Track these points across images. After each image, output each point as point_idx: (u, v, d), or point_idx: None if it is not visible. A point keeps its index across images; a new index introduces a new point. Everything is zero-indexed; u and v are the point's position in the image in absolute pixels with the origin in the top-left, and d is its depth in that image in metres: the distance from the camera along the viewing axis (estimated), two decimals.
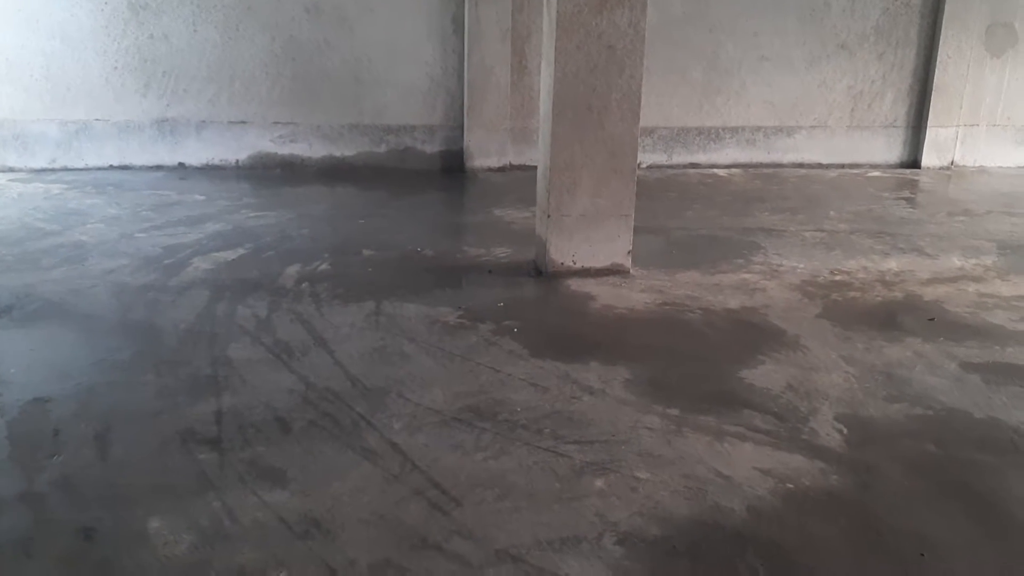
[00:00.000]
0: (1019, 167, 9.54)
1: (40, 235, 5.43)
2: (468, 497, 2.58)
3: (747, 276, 5.03)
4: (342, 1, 7.83)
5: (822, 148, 9.18)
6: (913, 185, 8.42)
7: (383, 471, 2.72)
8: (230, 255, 5.13)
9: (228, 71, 7.76)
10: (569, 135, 4.67)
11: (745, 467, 2.82)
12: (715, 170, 8.83)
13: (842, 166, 9.23)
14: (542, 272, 4.91)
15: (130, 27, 7.48)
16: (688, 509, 2.56)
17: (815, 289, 4.81)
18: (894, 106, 9.21)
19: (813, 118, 9.08)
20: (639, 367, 3.62)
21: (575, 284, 4.74)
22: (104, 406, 3.12)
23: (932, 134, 9.18)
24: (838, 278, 5.04)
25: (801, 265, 5.30)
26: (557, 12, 4.49)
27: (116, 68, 7.54)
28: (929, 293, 4.80)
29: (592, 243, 4.85)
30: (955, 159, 9.34)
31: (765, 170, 8.93)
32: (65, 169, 7.56)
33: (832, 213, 6.90)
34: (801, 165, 9.17)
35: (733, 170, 8.86)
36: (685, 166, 8.90)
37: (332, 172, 7.98)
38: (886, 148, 9.33)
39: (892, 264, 5.38)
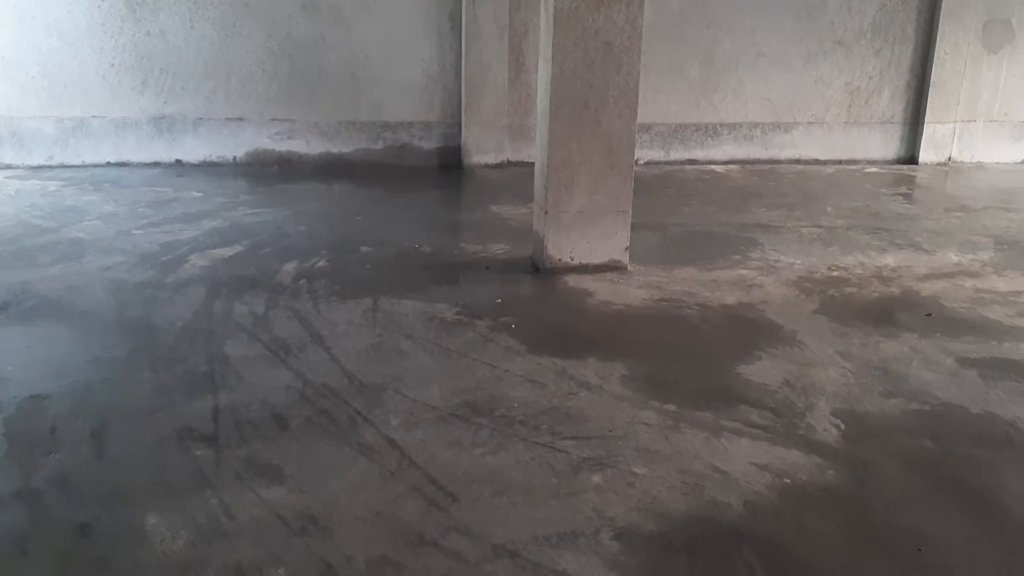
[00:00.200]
0: (1016, 163, 9.55)
1: (37, 232, 5.43)
2: (465, 493, 2.59)
3: (744, 272, 5.03)
4: None
5: (819, 144, 9.18)
6: (910, 181, 8.42)
7: (380, 468, 2.72)
8: (227, 252, 5.12)
9: (225, 68, 7.75)
10: (567, 132, 4.66)
11: (742, 462, 2.82)
12: (712, 166, 8.84)
13: (839, 162, 9.24)
14: (539, 268, 4.91)
15: (127, 24, 7.46)
16: (685, 504, 2.56)
17: (812, 285, 4.82)
18: (891, 102, 9.21)
19: (810, 114, 9.08)
20: (636, 363, 3.62)
21: (572, 280, 4.74)
22: (101, 403, 3.12)
23: (929, 130, 9.19)
24: (835, 274, 5.05)
25: (798, 261, 5.30)
26: (554, 9, 4.48)
27: (113, 65, 7.52)
28: (926, 289, 4.80)
29: (590, 239, 4.85)
30: (952, 155, 9.35)
31: (762, 166, 8.94)
32: (62, 166, 7.55)
33: (829, 209, 6.90)
34: (798, 161, 9.17)
35: (730, 166, 8.87)
36: (682, 162, 8.90)
37: (329, 169, 7.98)
38: (883, 144, 9.33)
39: (889, 260, 5.39)
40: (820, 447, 2.95)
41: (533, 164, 5.10)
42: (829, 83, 9.02)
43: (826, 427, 3.10)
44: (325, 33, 7.87)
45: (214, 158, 7.90)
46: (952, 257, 5.49)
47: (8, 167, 7.43)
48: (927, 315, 4.36)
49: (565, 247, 4.85)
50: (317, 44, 7.88)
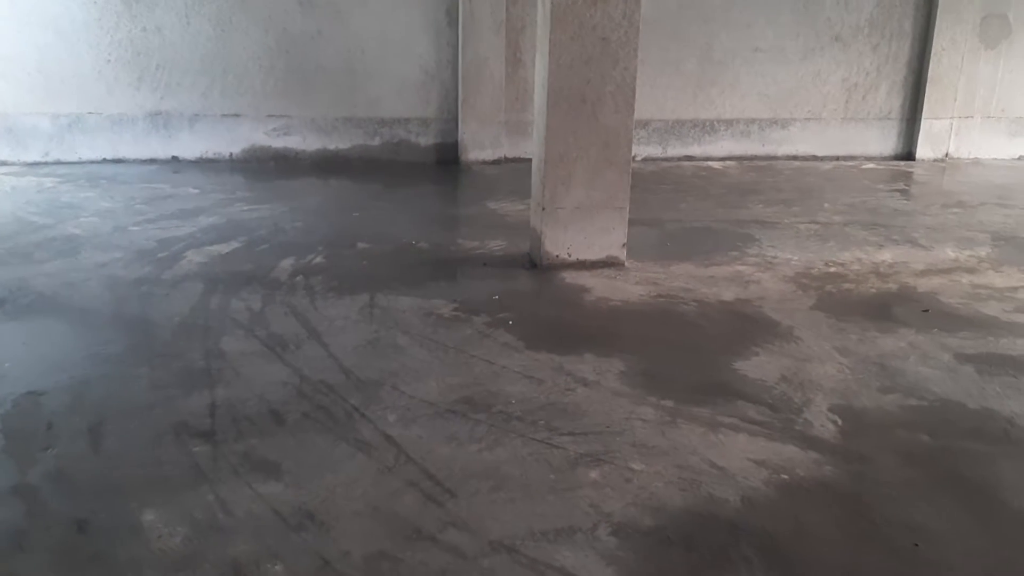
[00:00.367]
0: (1013, 159, 9.56)
1: (33, 228, 5.42)
2: (462, 488, 2.58)
3: (741, 268, 5.03)
4: None
5: (816, 140, 9.19)
6: (907, 177, 8.43)
7: (377, 463, 2.72)
8: (224, 248, 5.11)
9: (221, 64, 7.73)
10: (564, 127, 4.66)
11: (739, 458, 2.82)
12: (710, 162, 8.84)
13: (836, 158, 9.24)
14: (537, 264, 4.90)
15: (123, 20, 7.45)
16: (682, 500, 2.56)
17: (809, 281, 4.82)
18: (888, 98, 9.21)
19: (807, 110, 9.09)
20: (633, 359, 3.62)
21: (570, 276, 4.74)
22: (97, 399, 3.11)
23: (926, 126, 9.19)
24: (832, 270, 5.05)
25: (795, 257, 5.30)
26: (551, 4, 4.47)
27: (109, 61, 7.51)
28: (923, 284, 4.81)
29: (587, 235, 4.85)
30: (949, 151, 9.36)
31: (759, 162, 8.94)
32: (58, 162, 7.54)
33: (826, 205, 6.90)
34: (795, 157, 9.17)
35: (728, 162, 8.87)
36: (680, 158, 8.90)
37: (326, 165, 7.97)
38: (880, 140, 9.34)
39: (886, 256, 5.39)
40: (817, 443, 2.95)
41: (530, 160, 5.09)
42: (826, 79, 9.02)
43: (823, 423, 3.10)
44: (322, 28, 7.86)
45: (210, 154, 7.89)
46: (949, 253, 5.50)
47: (4, 164, 7.41)
48: (924, 311, 4.37)
49: (562, 243, 4.84)
50: (314, 39, 7.87)
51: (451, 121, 8.31)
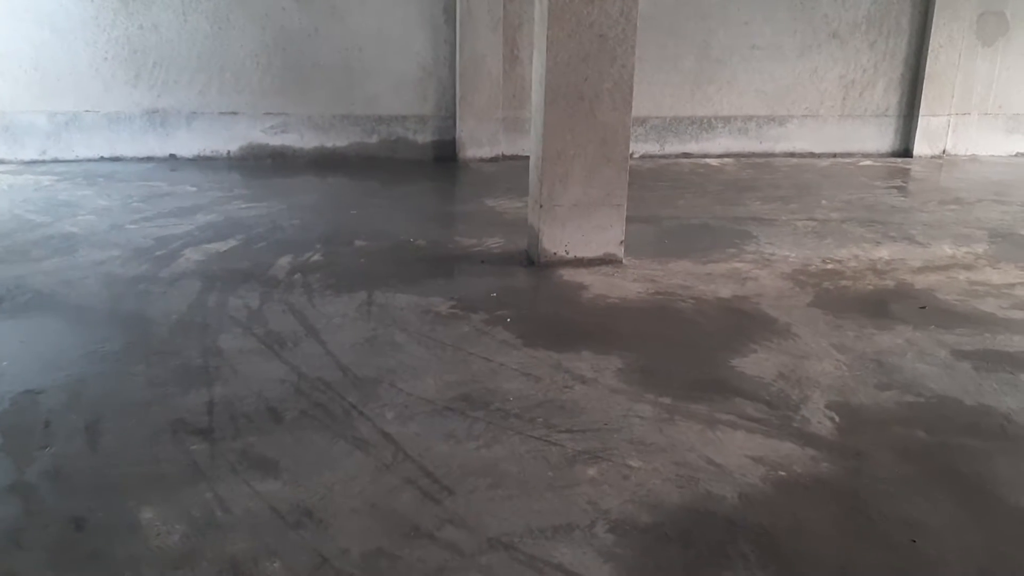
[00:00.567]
0: (1010, 155, 9.57)
1: (30, 227, 5.41)
2: (460, 486, 2.59)
3: (739, 265, 5.04)
4: None
5: (814, 137, 9.19)
6: (905, 174, 8.43)
7: (375, 460, 2.72)
8: (221, 246, 5.11)
9: (218, 61, 7.72)
10: (561, 124, 4.66)
11: (736, 455, 2.83)
12: (707, 159, 8.84)
13: (834, 155, 9.25)
14: (534, 262, 4.90)
15: (120, 17, 7.44)
16: (680, 497, 2.57)
17: (806, 278, 4.82)
18: (886, 95, 9.22)
19: (805, 107, 9.09)
20: (631, 356, 3.62)
21: (568, 274, 4.74)
22: (95, 397, 3.11)
23: (924, 123, 9.20)
24: (829, 267, 5.05)
25: (793, 254, 5.31)
26: (549, 1, 4.47)
27: (106, 59, 7.50)
28: (920, 281, 4.81)
29: (584, 232, 4.85)
30: (947, 147, 9.36)
31: (757, 159, 8.94)
32: (55, 160, 7.52)
33: (824, 202, 6.91)
34: (793, 154, 9.18)
35: (725, 159, 8.87)
36: (677, 155, 8.90)
37: (324, 162, 7.96)
38: (878, 137, 9.34)
39: (883, 252, 5.39)
40: (814, 439, 2.96)
41: (528, 157, 5.09)
42: (823, 75, 9.02)
43: (820, 419, 3.11)
44: (319, 26, 7.85)
45: (208, 152, 7.88)
46: (946, 250, 5.50)
47: (1, 162, 7.40)
48: (921, 307, 4.37)
49: (560, 240, 4.84)
50: (311, 37, 7.86)
51: (449, 118, 8.31)
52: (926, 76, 9.03)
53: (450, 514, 2.44)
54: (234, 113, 7.86)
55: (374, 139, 8.23)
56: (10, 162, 7.41)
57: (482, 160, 8.28)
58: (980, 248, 5.55)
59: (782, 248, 5.44)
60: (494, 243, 5.37)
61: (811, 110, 9.11)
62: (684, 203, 6.77)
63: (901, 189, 7.65)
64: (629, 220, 4.96)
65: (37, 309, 4.03)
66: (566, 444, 2.86)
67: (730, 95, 8.87)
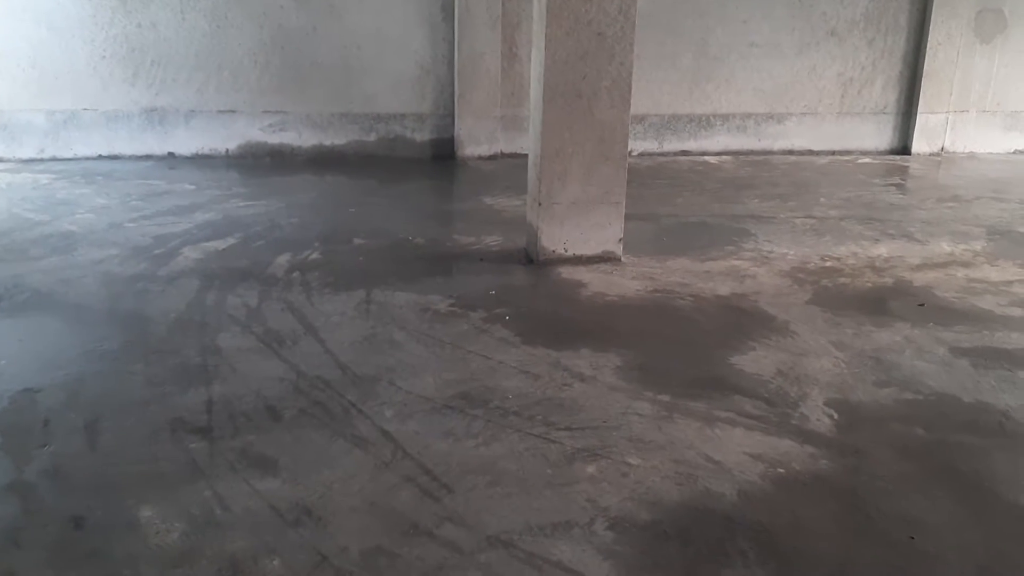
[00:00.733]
0: (1008, 153, 9.57)
1: (29, 225, 5.41)
2: (459, 484, 2.59)
3: (737, 263, 5.04)
4: None
5: (812, 135, 9.19)
6: (903, 171, 8.44)
7: (374, 459, 2.72)
8: (220, 244, 5.11)
9: (216, 60, 7.72)
10: (559, 122, 4.66)
11: (735, 452, 2.83)
12: (705, 157, 8.84)
13: (832, 153, 9.25)
14: (533, 260, 4.90)
15: (117, 15, 7.43)
16: (679, 494, 2.57)
17: (805, 275, 4.82)
18: (884, 92, 9.22)
19: (803, 105, 9.09)
20: (630, 354, 3.63)
21: (566, 272, 4.74)
22: (94, 396, 3.11)
23: (922, 120, 9.20)
24: (828, 264, 5.06)
25: (791, 251, 5.31)
26: None
27: (104, 57, 7.49)
28: (918, 278, 4.81)
29: (583, 230, 4.85)
30: (945, 145, 9.37)
31: (755, 157, 8.94)
32: (53, 159, 7.52)
33: (822, 199, 6.91)
34: (791, 152, 9.18)
35: (723, 157, 8.87)
36: (676, 153, 8.90)
37: (322, 161, 7.96)
38: (876, 134, 9.34)
39: (882, 250, 5.40)
40: (813, 436, 2.96)
41: (526, 155, 5.09)
42: (822, 73, 9.03)
43: (819, 416, 3.11)
44: (317, 24, 7.84)
45: (206, 150, 7.88)
46: (945, 247, 5.51)
47: None
48: (920, 305, 4.37)
49: (559, 238, 4.84)
50: (309, 35, 7.85)
51: (447, 117, 8.30)
52: (924, 73, 9.03)
53: (449, 512, 2.44)
54: (232, 111, 7.85)
55: (372, 137, 8.23)
56: (8, 160, 7.40)
57: (480, 158, 8.28)
58: (978, 245, 5.56)
59: (780, 246, 5.44)
60: (493, 241, 5.37)
61: (809, 108, 9.11)
62: (682, 201, 6.77)
63: (899, 186, 7.66)
64: (628, 218, 4.96)
65: (35, 308, 4.02)
66: (565, 442, 2.86)
67: (728, 93, 8.87)
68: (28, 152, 7.49)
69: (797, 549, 2.33)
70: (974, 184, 7.72)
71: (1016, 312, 4.29)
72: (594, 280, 4.61)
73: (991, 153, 9.48)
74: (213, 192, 6.51)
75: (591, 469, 2.70)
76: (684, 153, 8.91)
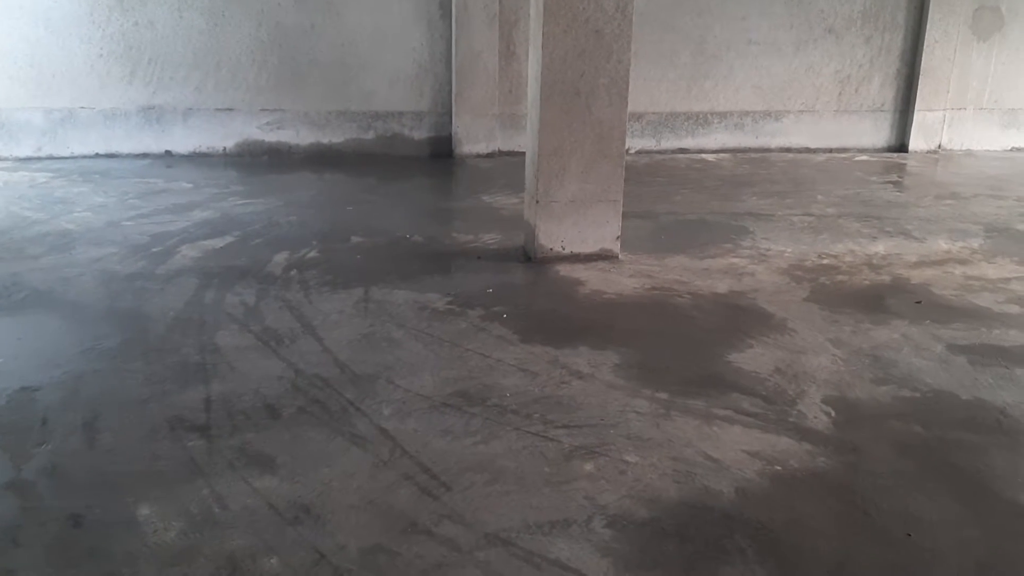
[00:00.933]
0: (1006, 150, 9.58)
1: (26, 224, 5.40)
2: (458, 482, 2.59)
3: (735, 260, 5.04)
4: None
5: (810, 132, 9.20)
6: (900, 169, 8.44)
7: (373, 457, 2.72)
8: (218, 243, 5.11)
9: (214, 58, 7.71)
10: (557, 120, 4.66)
11: (733, 450, 2.83)
12: (703, 155, 8.84)
13: (830, 150, 9.25)
14: (531, 258, 4.91)
15: (115, 14, 7.42)
16: (677, 491, 2.57)
17: (803, 273, 4.83)
18: (881, 90, 9.22)
19: (801, 102, 9.09)
20: (628, 351, 3.63)
21: (564, 269, 4.75)
22: (92, 394, 3.11)
23: (919, 118, 9.21)
24: (826, 262, 5.06)
25: (789, 249, 5.32)
26: None
27: (101, 55, 7.48)
28: (916, 276, 4.82)
29: (581, 228, 4.85)
30: (942, 142, 9.38)
31: (753, 154, 8.95)
32: (51, 157, 7.51)
33: (820, 197, 6.92)
34: (789, 149, 9.18)
35: (721, 155, 8.87)
36: (673, 151, 8.90)
37: (320, 159, 7.96)
38: (874, 132, 9.35)
39: (879, 247, 5.40)
40: (811, 434, 2.96)
41: (524, 153, 5.09)
42: (819, 71, 9.03)
43: (817, 414, 3.12)
44: (315, 22, 7.84)
45: (204, 149, 7.87)
46: (942, 244, 5.51)
47: None
48: (917, 302, 4.38)
49: (556, 236, 4.85)
50: (307, 33, 7.84)
51: (445, 115, 8.30)
52: (922, 71, 9.04)
53: (448, 510, 2.44)
54: (230, 110, 7.85)
55: (370, 135, 8.22)
56: (6, 159, 7.39)
57: (478, 156, 8.27)
58: (976, 243, 5.56)
59: (778, 243, 5.44)
60: (491, 239, 5.37)
61: (807, 105, 9.12)
62: (680, 199, 6.77)
63: (897, 184, 7.66)
64: (625, 216, 4.96)
65: (34, 306, 4.02)
66: (563, 439, 2.87)
67: (726, 91, 8.87)
68: (26, 150, 7.48)
69: (795, 546, 2.34)
70: (971, 181, 7.73)
71: (1013, 309, 4.30)
72: (592, 278, 4.62)
73: (988, 150, 9.49)
74: (211, 190, 6.51)
75: (589, 467, 2.70)
76: (682, 151, 8.92)
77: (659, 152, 8.85)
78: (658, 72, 8.60)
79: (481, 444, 2.82)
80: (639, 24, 5.05)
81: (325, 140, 8.12)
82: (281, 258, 4.82)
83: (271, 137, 8.00)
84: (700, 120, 8.91)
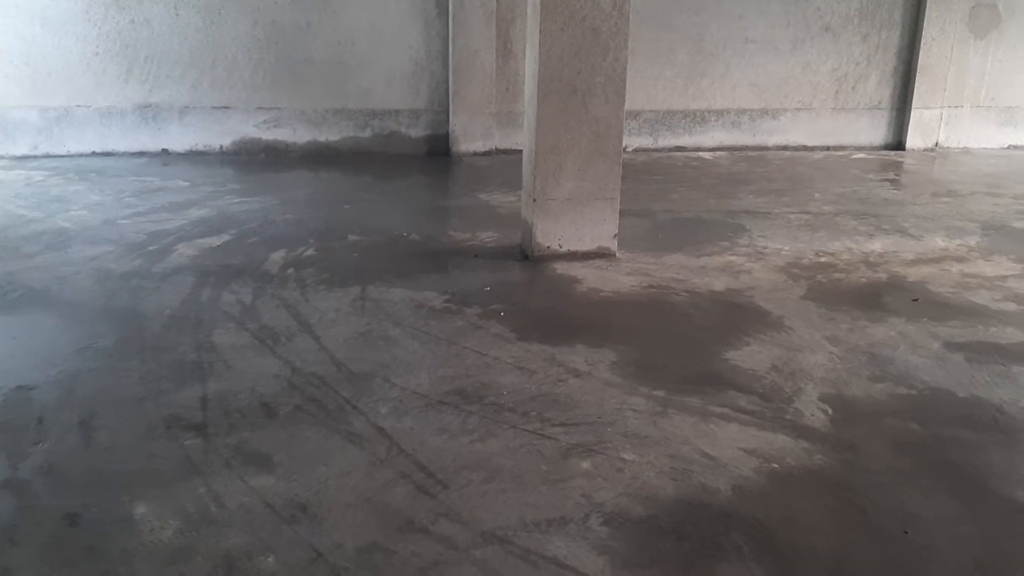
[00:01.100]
0: (1002, 148, 9.59)
1: (22, 222, 5.39)
2: (454, 480, 2.59)
3: (732, 258, 5.05)
4: None
5: (807, 130, 9.20)
6: (897, 166, 8.45)
7: (369, 455, 2.72)
8: (214, 241, 5.10)
9: (210, 56, 7.70)
10: (554, 118, 4.65)
11: (730, 447, 2.83)
12: (701, 153, 8.84)
13: (827, 148, 9.26)
14: (528, 256, 4.90)
15: (111, 12, 7.40)
16: (674, 489, 2.57)
17: (800, 271, 4.83)
18: (878, 88, 9.23)
19: (798, 100, 9.09)
20: (625, 349, 3.63)
21: (561, 267, 4.74)
22: (88, 393, 3.11)
23: (916, 115, 9.21)
24: (823, 259, 5.06)
25: (786, 247, 5.32)
26: None
27: (97, 53, 7.47)
28: (913, 274, 4.82)
29: (578, 226, 4.85)
30: (939, 140, 9.38)
31: (750, 152, 8.95)
32: (47, 156, 7.49)
33: (817, 195, 6.92)
34: (786, 147, 9.19)
35: (718, 153, 8.88)
36: (671, 149, 8.90)
37: (317, 157, 7.95)
38: (871, 130, 9.35)
39: (876, 245, 5.41)
40: (808, 432, 2.97)
41: (521, 151, 5.09)
42: (816, 69, 9.03)
43: (814, 412, 3.12)
44: (311, 20, 7.83)
45: (200, 147, 7.86)
46: (939, 242, 5.52)
47: None
48: (914, 300, 4.38)
49: (553, 234, 4.84)
50: (303, 31, 7.83)
51: (442, 112, 8.29)
52: (919, 69, 9.04)
53: (444, 508, 2.44)
54: (226, 108, 7.84)
55: (367, 133, 8.22)
56: (1, 157, 7.38)
57: (475, 154, 8.27)
58: (973, 240, 5.57)
59: (775, 241, 5.45)
60: (488, 237, 5.37)
61: (804, 103, 9.12)
62: (677, 197, 6.77)
63: (894, 182, 7.67)
64: (622, 214, 4.96)
65: (29, 305, 4.01)
66: (560, 437, 2.86)
67: (723, 89, 8.87)
68: (21, 149, 7.47)
69: (792, 544, 2.34)
70: (968, 179, 7.74)
71: (1010, 307, 4.31)
72: (589, 276, 4.61)
73: (985, 148, 9.50)
74: (207, 189, 6.50)
75: (586, 465, 2.70)
76: (679, 149, 8.92)
77: (656, 150, 8.85)
78: (655, 70, 8.60)
79: (478, 442, 2.82)
80: (636, 22, 5.05)
81: (322, 138, 8.11)
82: (278, 256, 4.82)
83: (268, 135, 7.99)
84: (697, 118, 8.91)
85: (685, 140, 8.94)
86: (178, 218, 5.60)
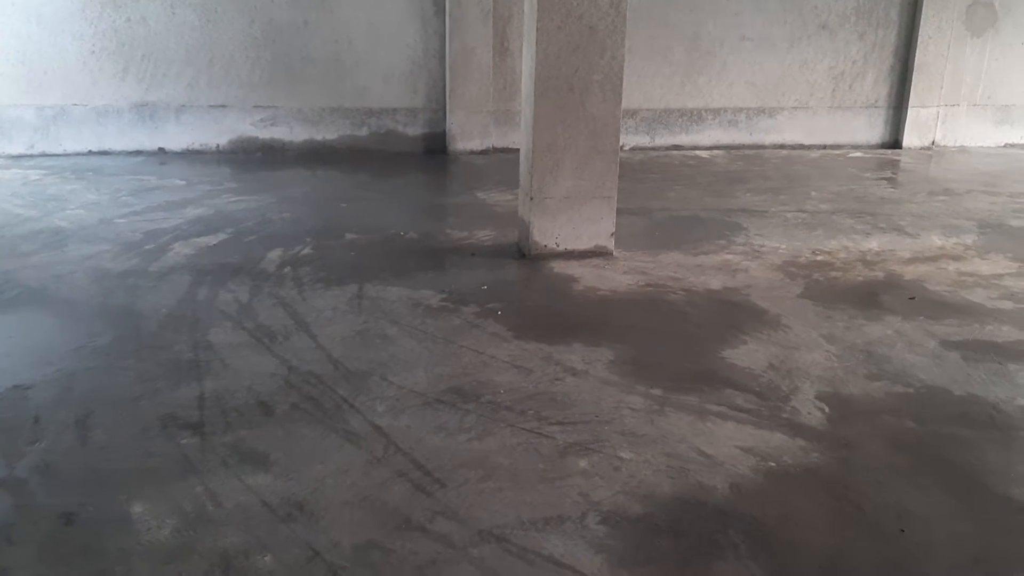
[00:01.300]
0: (999, 146, 9.60)
1: (19, 221, 5.38)
2: (452, 478, 2.59)
3: (729, 257, 5.05)
4: None
5: (804, 129, 9.21)
6: (894, 165, 8.46)
7: (366, 453, 2.72)
8: (211, 240, 5.10)
9: (207, 54, 7.69)
10: (551, 117, 4.65)
11: (727, 446, 2.83)
12: (697, 151, 8.84)
13: (824, 147, 9.27)
14: (525, 254, 4.90)
15: (107, 10, 7.39)
16: (671, 487, 2.58)
17: (796, 269, 4.83)
18: (875, 86, 9.23)
19: (795, 99, 9.10)
20: (622, 348, 3.63)
21: (558, 266, 4.74)
22: (85, 392, 3.10)
23: (913, 114, 9.22)
24: (819, 258, 5.07)
25: (783, 245, 5.32)
26: None
27: (93, 52, 7.45)
28: (909, 272, 4.83)
29: (575, 225, 4.85)
30: (936, 139, 9.39)
31: (747, 151, 8.95)
32: (43, 155, 7.48)
33: (813, 193, 6.92)
34: (783, 146, 9.19)
35: (715, 151, 8.88)
36: (667, 148, 8.90)
37: (314, 156, 7.94)
38: (867, 128, 9.36)
39: (873, 244, 5.41)
40: (804, 430, 2.97)
41: (518, 150, 5.09)
42: (813, 67, 9.03)
43: (810, 410, 3.12)
44: (308, 18, 7.82)
45: (197, 145, 7.85)
46: (935, 240, 5.52)
47: None
48: (911, 298, 4.39)
49: (551, 233, 4.84)
50: (300, 29, 7.83)
51: (439, 111, 8.29)
52: (915, 67, 9.05)
53: (441, 506, 2.44)
54: (223, 106, 7.83)
55: (364, 132, 8.21)
56: None
57: (472, 153, 8.27)
58: (969, 239, 5.58)
59: (772, 240, 5.45)
60: (485, 236, 5.37)
61: (801, 102, 9.12)
62: (674, 195, 6.77)
63: (891, 180, 7.67)
64: (619, 212, 4.96)
65: (26, 304, 4.01)
66: (557, 436, 2.87)
67: (720, 87, 8.88)
68: (18, 148, 7.46)
69: (788, 541, 2.34)
70: (965, 178, 7.75)
71: (1006, 305, 4.31)
72: (586, 274, 4.62)
73: (982, 147, 9.51)
74: (204, 187, 6.49)
75: (583, 463, 2.70)
76: (676, 147, 8.92)
77: (653, 148, 8.85)
78: (652, 68, 8.60)
79: (475, 441, 2.82)
80: (632, 20, 5.05)
81: (319, 137, 8.11)
82: (275, 255, 4.81)
83: (264, 134, 7.98)
84: (694, 116, 8.91)
85: (682, 138, 8.94)
86: (175, 217, 5.59)
